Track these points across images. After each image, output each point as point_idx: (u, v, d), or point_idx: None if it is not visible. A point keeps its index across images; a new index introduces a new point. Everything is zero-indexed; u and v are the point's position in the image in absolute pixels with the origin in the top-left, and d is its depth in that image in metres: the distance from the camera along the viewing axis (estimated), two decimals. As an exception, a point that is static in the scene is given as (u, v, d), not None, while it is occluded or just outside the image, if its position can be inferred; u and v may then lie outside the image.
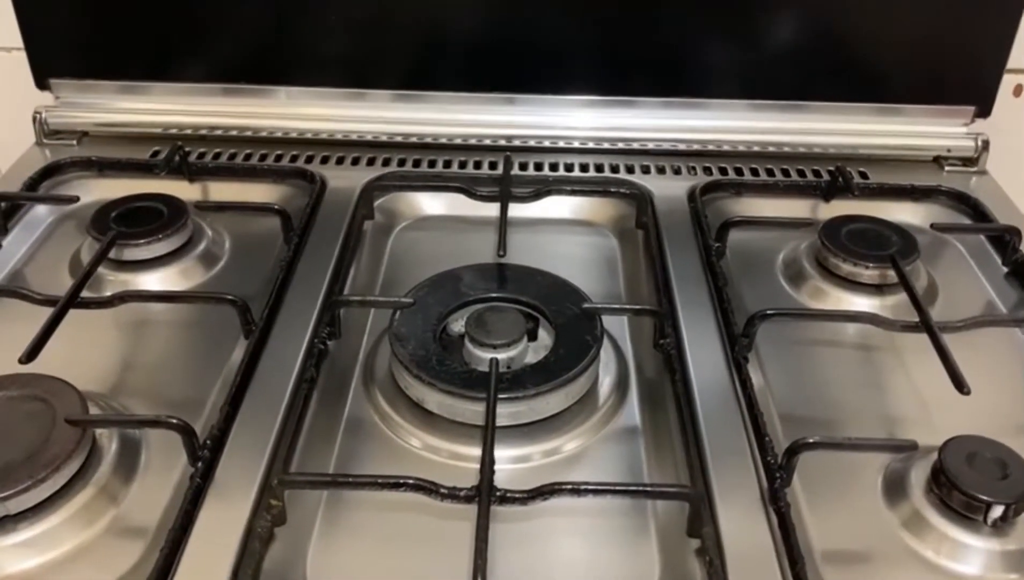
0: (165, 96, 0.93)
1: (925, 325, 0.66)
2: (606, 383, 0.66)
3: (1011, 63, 0.90)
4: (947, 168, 0.92)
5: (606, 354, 0.68)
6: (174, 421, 0.55)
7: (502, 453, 0.60)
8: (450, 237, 0.83)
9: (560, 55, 0.91)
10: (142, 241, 0.74)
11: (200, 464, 0.55)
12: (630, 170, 0.90)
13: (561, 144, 0.93)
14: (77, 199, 0.82)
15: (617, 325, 0.72)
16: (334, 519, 0.56)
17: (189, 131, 0.93)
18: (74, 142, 0.93)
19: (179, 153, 0.86)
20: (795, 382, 0.67)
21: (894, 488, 0.58)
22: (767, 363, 0.69)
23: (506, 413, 0.61)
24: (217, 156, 0.91)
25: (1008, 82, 0.95)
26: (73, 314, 0.66)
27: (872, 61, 0.91)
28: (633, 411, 0.65)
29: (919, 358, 0.68)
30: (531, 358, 0.66)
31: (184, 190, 0.85)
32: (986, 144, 0.91)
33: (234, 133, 0.93)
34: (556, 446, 0.62)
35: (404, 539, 0.55)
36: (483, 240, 0.80)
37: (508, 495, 0.53)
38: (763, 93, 0.92)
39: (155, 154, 0.90)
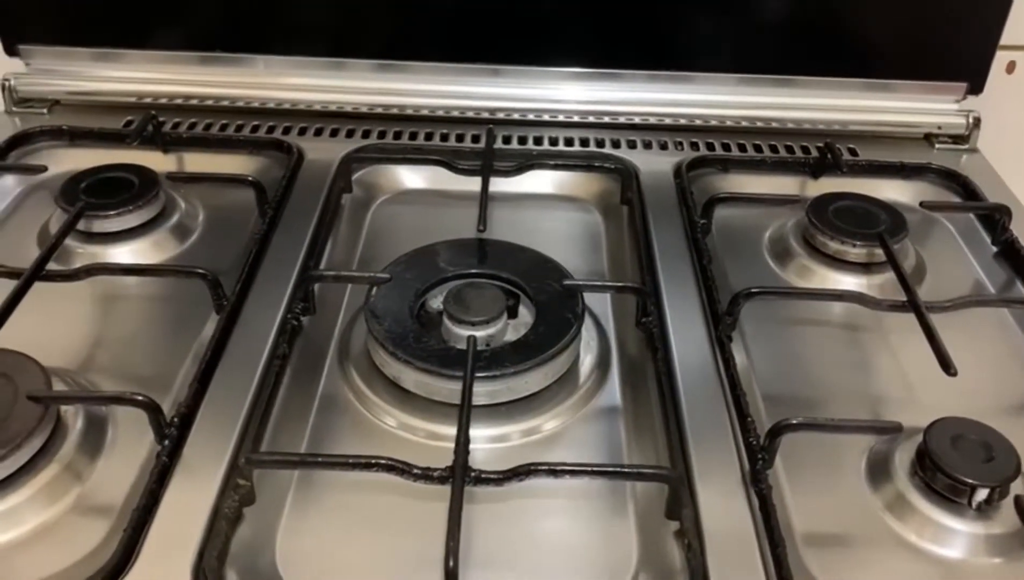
0: (140, 64, 0.91)
1: (912, 305, 0.64)
2: (587, 361, 0.65)
3: (1004, 39, 0.88)
4: (937, 145, 0.91)
5: (588, 332, 0.67)
6: (139, 398, 0.54)
7: (480, 432, 0.59)
8: (431, 211, 0.82)
9: (546, 26, 0.89)
10: (112, 212, 0.72)
11: (167, 442, 0.54)
12: (615, 145, 0.88)
13: (546, 117, 0.91)
14: (45, 169, 0.80)
15: (600, 303, 0.71)
16: (305, 499, 0.55)
17: (164, 100, 0.91)
18: (44, 111, 0.91)
19: (152, 123, 0.83)
20: (780, 362, 0.66)
21: (878, 470, 0.57)
22: (752, 342, 0.67)
23: (484, 392, 0.59)
24: (192, 126, 0.88)
25: (1001, 59, 0.94)
26: (42, 288, 0.65)
27: (863, 36, 0.89)
28: (614, 390, 0.64)
29: (906, 338, 0.67)
30: (511, 336, 0.64)
31: (158, 161, 0.83)
32: (977, 121, 0.89)
33: (210, 103, 0.90)
34: (535, 425, 0.60)
35: (377, 520, 0.54)
36: (465, 215, 0.78)
37: (483, 476, 0.51)
38: (752, 67, 0.90)
39: (128, 124, 0.88)
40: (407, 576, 0.51)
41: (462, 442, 0.52)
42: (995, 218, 0.78)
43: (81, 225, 0.72)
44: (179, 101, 0.91)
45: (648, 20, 0.88)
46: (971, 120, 0.89)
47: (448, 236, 0.72)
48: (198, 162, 0.84)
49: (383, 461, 0.51)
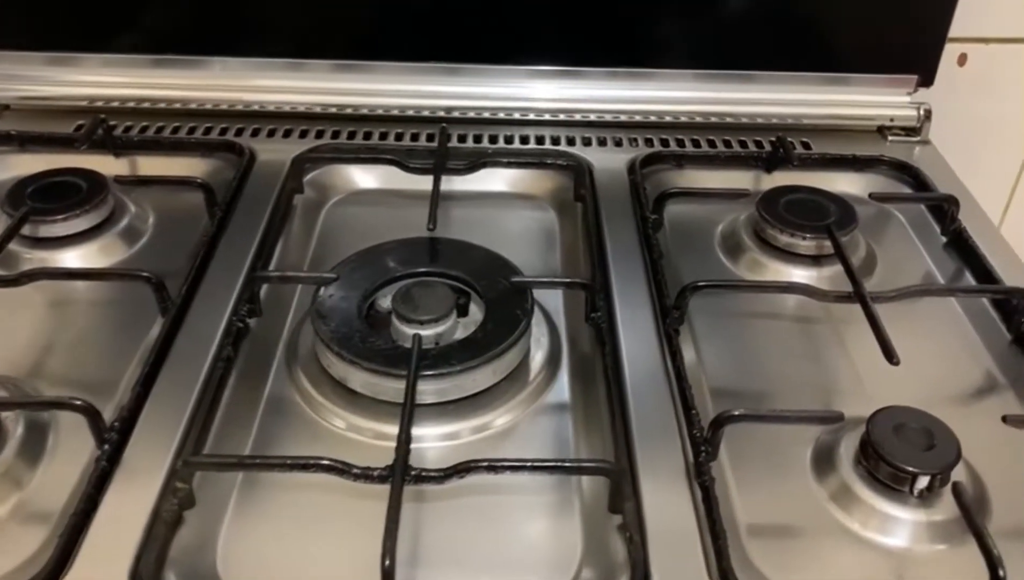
0: (92, 68, 0.90)
1: (858, 295, 0.65)
2: (538, 358, 0.65)
3: (955, 32, 0.89)
4: (890, 138, 0.91)
5: (538, 329, 0.67)
6: (77, 402, 0.53)
7: (430, 431, 0.59)
8: (384, 211, 0.81)
9: (503, 24, 0.88)
10: (59, 217, 0.72)
11: (107, 446, 0.53)
12: (571, 142, 0.89)
13: (502, 116, 0.91)
14: (-7, 174, 0.79)
15: (552, 299, 0.71)
16: (249, 501, 0.54)
17: (117, 104, 0.90)
18: (-6, 116, 0.90)
19: (102, 126, 0.83)
20: (729, 355, 0.66)
21: (823, 461, 0.57)
22: (702, 336, 0.68)
23: (432, 390, 0.59)
24: (144, 129, 0.88)
25: (953, 51, 0.94)
26: (-13, 294, 0.64)
27: (816, 30, 0.90)
28: (564, 386, 0.64)
29: (855, 329, 0.67)
30: (460, 334, 0.64)
31: (110, 165, 0.82)
32: (928, 113, 0.90)
33: (163, 106, 0.90)
34: (485, 422, 0.60)
35: (322, 520, 0.53)
36: (418, 214, 0.77)
37: (423, 474, 0.51)
38: (709, 63, 0.91)
39: (80, 128, 0.87)
40: (350, 576, 0.51)
41: (403, 440, 0.52)
42: (944, 208, 0.79)
43: (28, 230, 0.71)
44: (132, 104, 0.90)
45: (605, 18, 0.88)
46: (922, 112, 0.90)
47: (401, 236, 0.72)
48: (150, 165, 0.84)
49: (323, 462, 0.51)
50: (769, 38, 0.90)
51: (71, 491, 0.53)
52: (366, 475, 0.51)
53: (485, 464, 0.51)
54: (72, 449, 0.56)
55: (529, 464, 0.53)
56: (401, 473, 0.50)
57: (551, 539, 0.53)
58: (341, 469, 0.51)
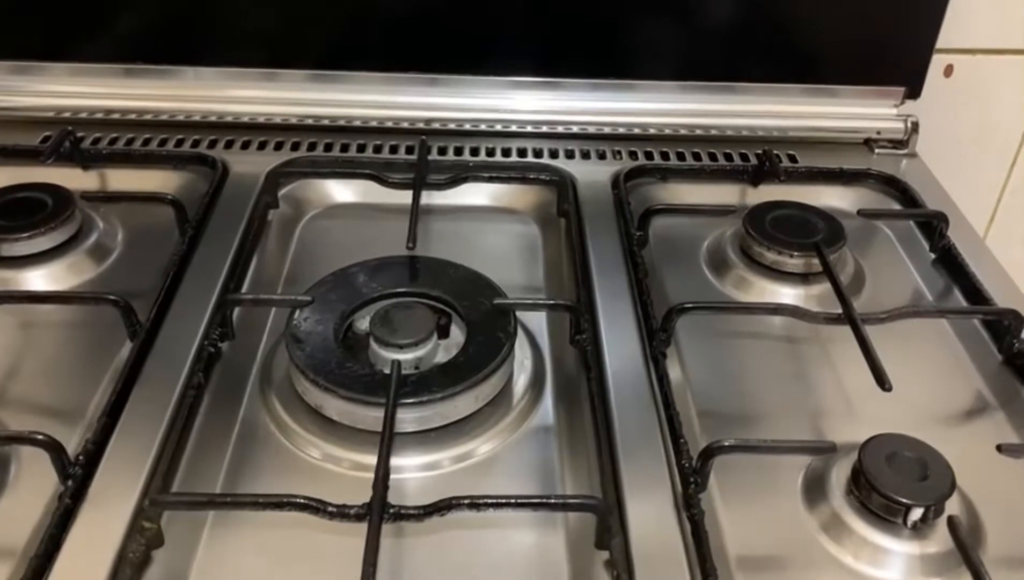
0: (59, 76, 0.87)
1: (848, 317, 0.63)
2: (521, 382, 0.63)
3: (941, 43, 0.88)
4: (877, 151, 0.90)
5: (522, 351, 0.65)
6: (39, 437, 0.51)
7: (409, 461, 0.57)
8: (362, 227, 0.79)
9: (485, 35, 0.87)
10: (23, 235, 0.69)
11: (71, 483, 0.51)
12: (554, 155, 0.87)
13: (483, 128, 0.89)
14: (-48, 189, 0.76)
15: (536, 319, 0.69)
16: (220, 539, 0.52)
17: (85, 114, 0.87)
18: (-43, 128, 0.87)
19: (69, 138, 0.80)
20: (717, 377, 0.65)
21: (814, 490, 0.55)
22: (688, 357, 0.66)
23: (412, 418, 0.57)
24: (114, 141, 0.85)
25: (939, 63, 0.94)
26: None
27: (802, 42, 0.88)
28: (548, 410, 0.62)
29: (844, 349, 0.65)
30: (442, 357, 0.62)
31: (77, 178, 0.80)
32: (915, 126, 0.89)
33: (133, 117, 0.87)
34: (467, 451, 0.58)
35: (297, 557, 0.51)
36: (398, 229, 0.75)
37: (402, 512, 0.49)
38: (693, 74, 0.89)
39: (46, 140, 0.84)
40: (326, 617, 0.49)
41: (380, 476, 0.50)
42: (933, 225, 0.78)
43: (-10, 249, 0.69)
44: (100, 115, 0.87)
45: (588, 28, 0.86)
46: (909, 124, 0.89)
47: (380, 252, 0.70)
48: (120, 179, 0.81)
49: (298, 499, 0.49)
50: (754, 49, 0.88)
51: (33, 528, 0.51)
52: (342, 514, 0.49)
53: (467, 502, 0.49)
54: (34, 482, 0.53)
55: (513, 501, 0.51)
56: (379, 512, 0.48)
57: (536, 575, 0.51)
58: (316, 507, 0.48)
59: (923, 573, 0.51)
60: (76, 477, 0.51)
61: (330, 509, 0.49)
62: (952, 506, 0.52)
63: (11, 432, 0.55)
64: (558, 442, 0.60)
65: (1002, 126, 1.00)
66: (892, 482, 0.52)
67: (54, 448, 0.51)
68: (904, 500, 0.51)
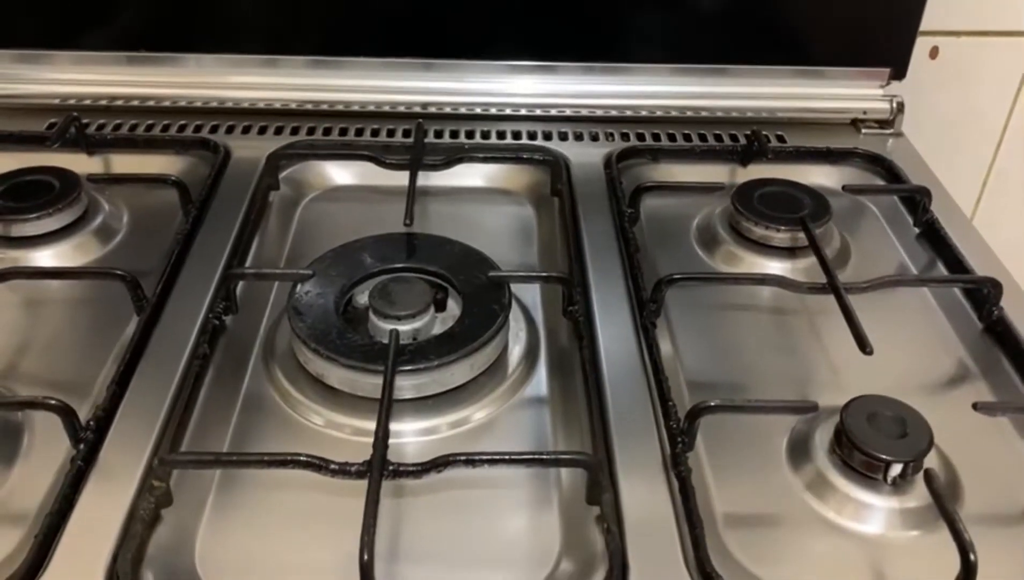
0: (64, 65, 0.89)
1: (831, 286, 0.65)
2: (516, 352, 0.65)
3: (926, 25, 0.90)
4: (864, 131, 0.92)
5: (516, 323, 0.67)
6: (52, 402, 0.53)
7: (408, 426, 0.59)
8: (361, 208, 0.81)
9: (479, 19, 0.89)
10: (32, 216, 0.71)
11: (82, 446, 0.53)
12: (547, 137, 0.89)
13: (478, 111, 0.91)
14: (-39, 174, 0.78)
15: (530, 293, 0.71)
16: (228, 499, 0.54)
17: (89, 101, 0.89)
18: (-36, 115, 0.88)
19: (75, 124, 0.82)
20: (706, 347, 0.67)
21: (798, 450, 0.57)
22: (678, 329, 0.68)
23: (410, 385, 0.59)
24: (118, 127, 0.87)
25: (925, 44, 0.95)
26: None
27: (791, 23, 0.90)
28: (542, 379, 0.64)
29: (830, 320, 0.67)
30: (438, 329, 0.64)
31: (83, 163, 0.82)
32: (901, 106, 0.91)
33: (136, 103, 0.89)
34: (464, 417, 0.60)
35: (300, 517, 0.53)
36: (395, 210, 0.77)
37: (401, 469, 0.51)
38: (685, 57, 0.91)
39: (52, 126, 0.86)
40: (329, 573, 0.51)
41: (380, 436, 0.52)
42: (916, 200, 0.80)
43: (0, 230, 0.71)
44: (104, 102, 0.89)
45: (581, 13, 0.88)
46: (895, 105, 0.91)
47: (378, 231, 0.72)
48: (124, 163, 0.83)
49: (301, 458, 0.51)
50: (743, 32, 0.90)
51: (46, 491, 0.53)
52: (344, 471, 0.51)
53: (463, 458, 0.51)
54: (47, 449, 0.56)
55: (507, 457, 0.53)
56: (379, 468, 0.50)
57: (530, 532, 0.53)
58: (319, 465, 0.51)
59: (903, 527, 0.53)
60: (88, 441, 0.53)
61: (332, 467, 0.50)
62: (930, 462, 0.54)
63: (25, 397, 0.57)
64: (551, 410, 0.62)
65: (988, 108, 1.02)
66: (873, 440, 0.54)
67: (66, 413, 0.53)
68: (884, 456, 0.53)
